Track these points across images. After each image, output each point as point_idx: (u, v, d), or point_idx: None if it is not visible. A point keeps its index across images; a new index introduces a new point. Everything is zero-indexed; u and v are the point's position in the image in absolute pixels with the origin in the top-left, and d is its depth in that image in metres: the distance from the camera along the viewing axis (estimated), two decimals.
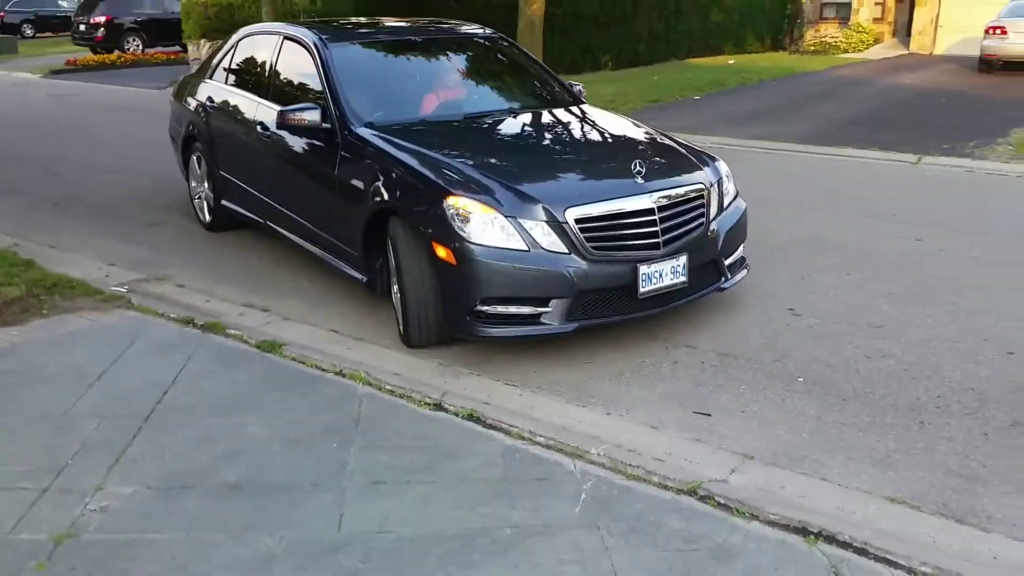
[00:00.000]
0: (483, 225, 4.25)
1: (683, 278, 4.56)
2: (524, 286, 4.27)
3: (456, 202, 4.31)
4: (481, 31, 6.69)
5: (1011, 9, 18.71)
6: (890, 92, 16.03)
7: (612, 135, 5.53)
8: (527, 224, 4.27)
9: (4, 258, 5.61)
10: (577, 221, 4.31)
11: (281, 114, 5.19)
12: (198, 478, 3.32)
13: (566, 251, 4.28)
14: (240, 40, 6.75)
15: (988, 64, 18.55)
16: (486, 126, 5.42)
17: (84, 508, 3.13)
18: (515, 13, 17.12)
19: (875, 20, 24.46)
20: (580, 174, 4.87)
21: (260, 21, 25.32)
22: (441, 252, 4.29)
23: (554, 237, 4.29)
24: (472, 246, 4.23)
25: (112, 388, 4.02)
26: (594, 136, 5.53)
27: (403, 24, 6.64)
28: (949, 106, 14.61)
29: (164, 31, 24.93)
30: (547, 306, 4.31)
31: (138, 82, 18.72)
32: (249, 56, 6.50)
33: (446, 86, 5.83)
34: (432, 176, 4.53)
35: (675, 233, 4.56)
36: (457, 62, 6.18)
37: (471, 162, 4.70)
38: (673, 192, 4.61)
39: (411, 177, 4.58)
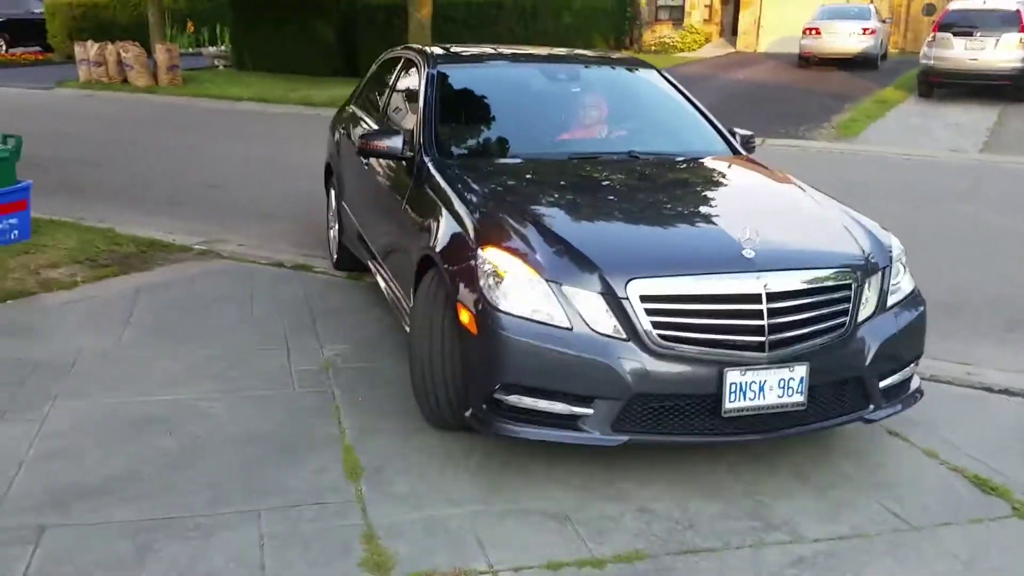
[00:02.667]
0: (518, 289, 3.36)
1: (799, 397, 3.35)
2: (559, 376, 3.30)
3: (491, 255, 3.48)
4: (624, 58, 5.92)
5: (824, 12, 21.88)
6: (728, 86, 18.57)
7: (749, 195, 4.37)
8: (575, 294, 3.31)
9: (95, 229, 6.73)
10: (644, 298, 3.28)
11: (362, 138, 4.63)
12: (375, 342, 4.79)
13: (624, 337, 3.27)
14: (380, 61, 6.18)
15: (806, 60, 21.65)
16: (585, 171, 4.45)
17: (322, 354, 4.55)
18: (394, 17, 18.72)
19: (704, 21, 27.45)
20: (665, 236, 3.81)
21: (122, 22, 25.60)
22: (464, 317, 3.46)
23: (609, 316, 3.29)
24: (499, 314, 3.34)
25: (268, 302, 5.32)
26: (720, 194, 4.39)
27: (541, 52, 5.94)
28: (779, 97, 17.27)
29: (26, 31, 24.81)
30: (589, 407, 3.30)
31: (19, 82, 18.92)
32: (377, 78, 6.02)
33: (563, 120, 4.94)
34: (474, 221, 3.73)
35: (792, 332, 3.36)
36: (586, 94, 5.12)
37: (536, 211, 3.79)
38: (798, 275, 3.43)
39: (453, 220, 3.82)
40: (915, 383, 3.85)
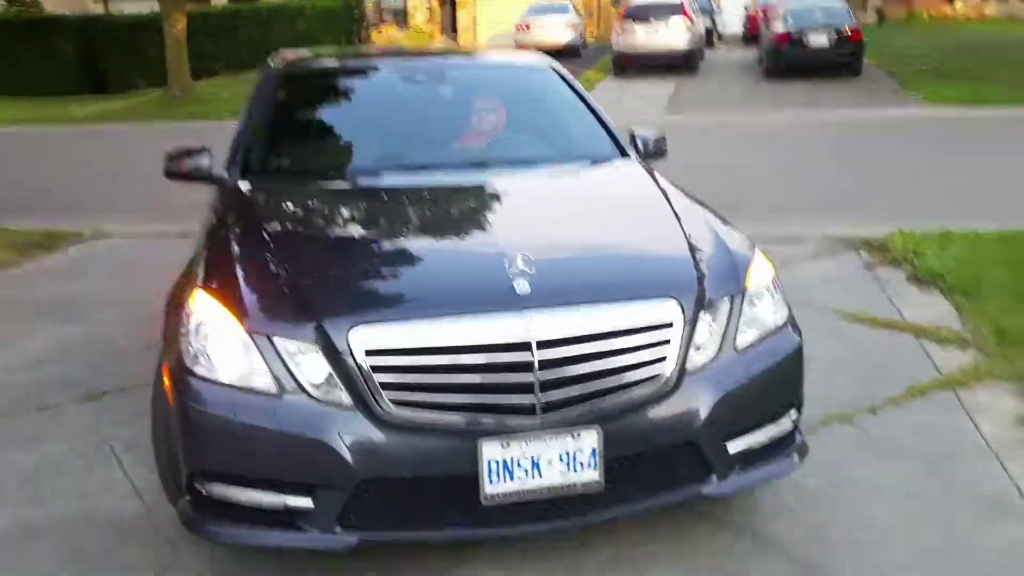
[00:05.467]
0: (219, 345, 2.64)
1: (592, 474, 2.57)
2: (265, 460, 2.57)
3: (199, 303, 2.75)
4: (517, 55, 5.35)
5: (531, 10, 25.25)
6: None
7: (582, 210, 3.52)
8: (289, 350, 2.57)
9: None
10: (371, 352, 2.52)
11: (168, 158, 4.04)
12: None
13: (347, 404, 2.52)
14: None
15: None
16: (400, 191, 3.74)
17: None
18: (137, 33, 19.68)
19: (427, 21, 30.09)
20: (421, 270, 3.02)
21: None
22: (166, 382, 2.76)
23: (330, 377, 2.54)
24: (190, 379, 2.63)
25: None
26: (540, 210, 3.53)
27: (420, 52, 5.24)
28: None
29: None
30: (307, 498, 2.56)
31: None
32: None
33: (420, 129, 4.23)
34: (205, 259, 3.07)
35: (577, 389, 2.58)
36: (457, 99, 4.46)
37: (286, 249, 3.07)
38: (588, 313, 2.63)
39: (198, 256, 3.15)
40: (793, 439, 2.96)
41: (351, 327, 2.54)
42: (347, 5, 29.65)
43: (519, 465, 2.52)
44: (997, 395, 3.91)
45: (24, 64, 20.86)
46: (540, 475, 2.54)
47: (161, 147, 3.98)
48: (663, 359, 2.65)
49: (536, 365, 2.52)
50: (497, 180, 3.79)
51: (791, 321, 3.04)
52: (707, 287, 2.80)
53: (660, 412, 2.66)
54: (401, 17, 30.44)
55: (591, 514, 2.66)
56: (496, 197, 3.69)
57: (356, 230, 3.49)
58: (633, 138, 4.30)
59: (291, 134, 4.36)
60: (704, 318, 2.76)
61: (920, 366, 4.29)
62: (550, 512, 2.62)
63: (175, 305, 2.91)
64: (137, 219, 8.14)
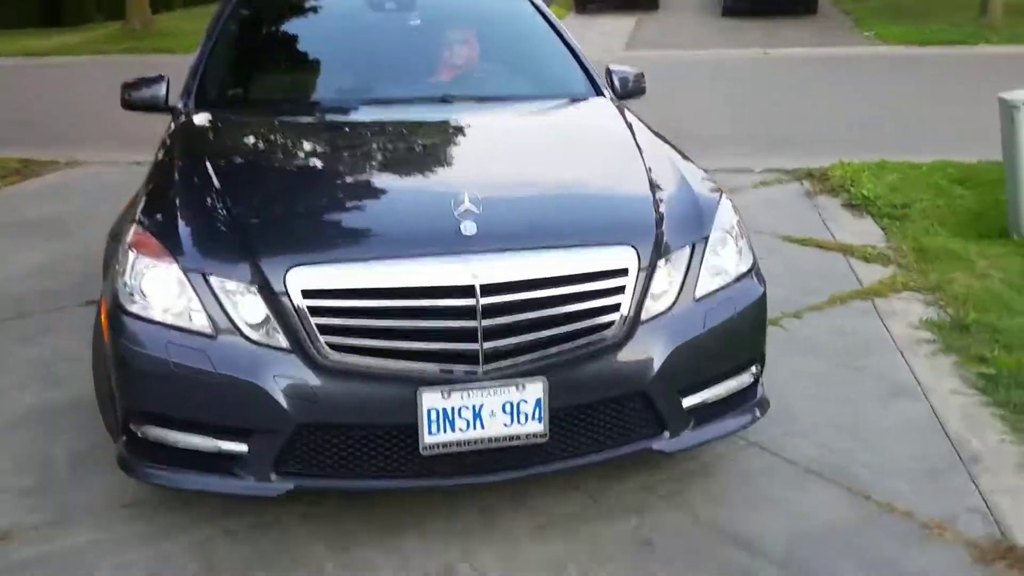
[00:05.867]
0: (155, 283, 2.58)
1: (536, 426, 2.49)
2: (200, 403, 2.51)
3: (136, 238, 2.69)
4: None
5: None
6: None
7: (540, 148, 3.41)
8: (225, 289, 2.51)
9: None
10: (307, 293, 2.44)
11: (123, 87, 4.00)
12: None
13: (285, 347, 2.45)
14: None
15: None
16: (354, 123, 3.74)
17: None
18: None
19: None
20: (367, 208, 2.93)
21: None
22: (103, 318, 2.72)
23: (267, 319, 2.48)
24: (124, 316, 2.57)
25: None
26: (496, 147, 3.40)
27: None
28: None
29: None
30: (243, 442, 2.50)
31: None
32: None
33: (384, 60, 4.07)
34: (146, 192, 3.04)
35: (522, 338, 2.49)
36: (424, 27, 4.27)
37: (232, 182, 3.01)
38: (536, 258, 2.54)
39: (142, 190, 3.11)
40: (754, 393, 2.90)
41: (289, 267, 2.45)
42: None
43: (460, 415, 2.43)
44: (909, 303, 4.40)
45: None
46: (482, 426, 2.45)
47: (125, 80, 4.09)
48: (615, 308, 2.55)
49: (480, 311, 2.42)
50: (460, 116, 3.68)
51: (756, 270, 2.93)
52: (666, 234, 2.69)
53: (610, 363, 2.56)
54: None
55: (535, 466, 2.57)
56: (456, 134, 3.59)
57: (304, 165, 3.36)
58: (610, 75, 4.12)
59: (249, 64, 4.25)
60: (662, 266, 2.65)
61: (844, 280, 4.76)
62: (493, 463, 2.53)
63: (113, 239, 2.79)
64: (108, 149, 8.34)
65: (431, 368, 2.45)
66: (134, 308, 2.56)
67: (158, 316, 2.53)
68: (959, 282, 4.58)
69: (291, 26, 4.59)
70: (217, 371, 2.45)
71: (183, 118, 3.66)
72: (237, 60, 4.21)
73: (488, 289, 2.44)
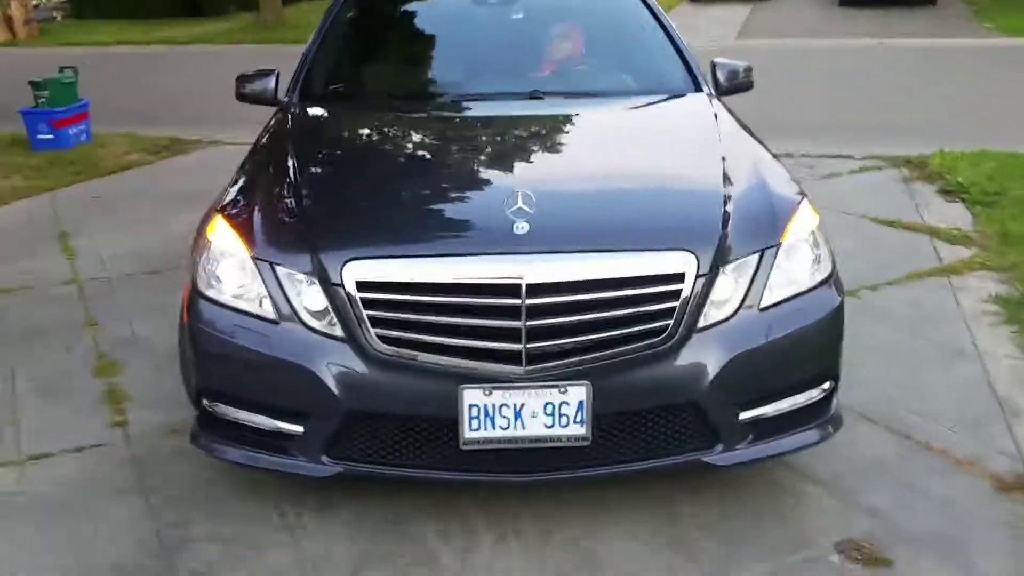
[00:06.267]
0: (228, 269, 2.74)
1: (578, 428, 2.51)
2: (262, 384, 2.67)
3: (217, 226, 2.87)
4: None
5: None
6: None
7: (620, 150, 3.32)
8: (290, 279, 2.63)
9: (127, 134, 9.06)
10: (362, 286, 2.53)
11: (237, 80, 4.19)
12: None
13: (340, 336, 2.56)
14: None
15: None
16: (434, 117, 3.86)
17: None
18: None
19: None
20: (427, 205, 2.99)
21: None
22: (184, 301, 2.89)
23: (326, 309, 2.58)
24: (201, 300, 2.76)
25: None
26: (574, 148, 3.44)
27: None
28: None
29: None
30: (300, 425, 2.64)
31: None
32: None
33: (486, 57, 4.16)
34: (232, 183, 3.21)
35: (567, 340, 2.49)
36: (527, 24, 4.32)
37: (312, 176, 3.16)
38: (587, 261, 2.54)
39: (231, 180, 3.28)
40: (827, 409, 2.79)
41: (345, 260, 2.54)
42: None
43: (501, 413, 2.47)
44: (983, 280, 4.66)
45: None
46: (523, 425, 2.48)
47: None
48: (668, 314, 2.50)
49: (524, 312, 2.44)
50: (544, 113, 3.72)
51: (834, 280, 2.81)
52: (733, 239, 2.62)
53: (660, 370, 2.52)
54: None
55: (577, 469, 2.59)
56: (533, 132, 3.57)
57: (377, 160, 3.43)
58: (714, 69, 4.05)
59: (352, 60, 4.37)
60: (725, 272, 2.58)
61: (926, 258, 5.05)
62: (535, 462, 2.56)
63: (201, 228, 2.97)
64: (244, 131, 8.97)
65: (474, 365, 2.48)
66: (209, 292, 2.74)
67: (229, 301, 2.69)
68: None
69: (394, 23, 4.70)
70: (277, 356, 2.59)
71: (282, 111, 3.88)
72: (341, 55, 4.34)
73: (534, 290, 2.45)
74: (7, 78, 13.23)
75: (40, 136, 8.14)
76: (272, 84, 4.07)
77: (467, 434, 2.50)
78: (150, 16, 21.43)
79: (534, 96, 3.80)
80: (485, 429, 2.49)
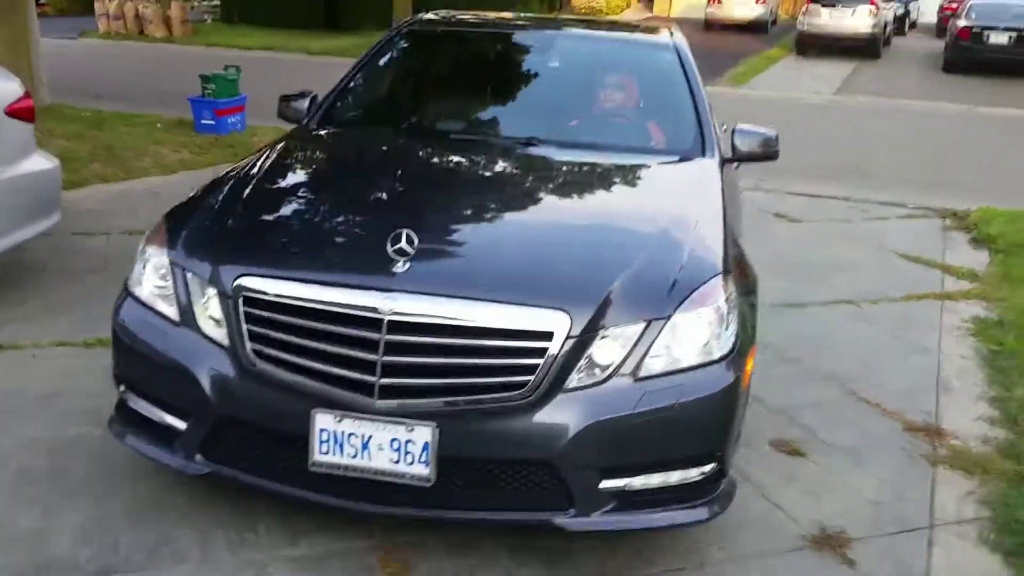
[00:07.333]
0: (151, 270, 2.94)
1: (422, 469, 2.55)
2: (157, 379, 2.85)
3: (156, 229, 3.07)
4: (649, 39, 4.83)
5: None
6: None
7: (568, 207, 3.36)
8: (196, 285, 2.81)
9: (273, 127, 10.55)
10: (248, 300, 2.68)
11: (280, 99, 4.33)
12: None
13: (225, 343, 2.71)
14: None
15: (710, 25, 26.33)
16: (427, 155, 3.86)
17: None
18: None
19: None
20: (330, 231, 3.06)
21: None
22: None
23: (217, 316, 2.75)
24: (126, 296, 2.98)
25: None
26: (522, 199, 3.41)
27: (542, 21, 5.55)
28: None
29: None
30: (183, 421, 2.80)
31: (46, 33, 21.87)
32: None
33: (501, 101, 4.36)
34: (201, 188, 3.39)
35: (421, 380, 2.56)
36: (552, 74, 4.46)
37: (269, 190, 3.36)
38: (458, 306, 2.58)
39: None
40: (711, 490, 2.75)
41: (239, 274, 2.71)
42: None
43: (349, 442, 2.56)
44: (971, 306, 5.55)
45: (274, 0, 24.13)
46: (370, 457, 2.56)
47: None
48: (531, 369, 2.53)
49: (382, 346, 2.52)
50: (513, 160, 3.73)
51: (733, 359, 2.69)
52: (618, 305, 2.62)
53: (516, 425, 2.54)
54: None
55: (423, 509, 2.64)
56: (482, 176, 3.65)
57: (314, 183, 3.61)
58: (733, 136, 3.99)
59: (375, 91, 4.58)
60: (605, 336, 2.59)
61: (930, 285, 5.95)
62: (382, 495, 2.62)
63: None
64: None
65: (329, 391, 2.58)
66: (134, 288, 2.97)
67: (145, 298, 2.91)
68: (1022, 298, 5.67)
69: (428, 64, 4.84)
70: (171, 355, 2.77)
71: (289, 132, 4.12)
72: (369, 86, 4.53)
73: (396, 326, 2.54)
74: (168, 70, 15.09)
75: (203, 121, 9.66)
76: (305, 106, 4.23)
77: (316, 456, 2.60)
78: (291, 26, 23.37)
79: (529, 143, 3.82)
80: (334, 454, 2.59)
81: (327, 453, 2.59)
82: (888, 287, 5.83)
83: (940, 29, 27.13)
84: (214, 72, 9.77)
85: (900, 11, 27.22)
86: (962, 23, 19.35)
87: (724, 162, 3.84)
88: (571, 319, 2.57)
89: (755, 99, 15.99)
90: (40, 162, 4.87)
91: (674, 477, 2.68)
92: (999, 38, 18.92)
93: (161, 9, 21.78)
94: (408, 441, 2.54)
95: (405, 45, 4.78)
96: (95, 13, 22.42)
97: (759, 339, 3.13)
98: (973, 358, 4.70)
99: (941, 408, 4.10)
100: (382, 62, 4.62)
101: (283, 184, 3.50)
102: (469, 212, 3.21)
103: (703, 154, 3.83)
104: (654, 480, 2.66)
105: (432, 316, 2.56)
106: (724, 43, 23.85)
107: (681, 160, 3.80)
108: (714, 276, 2.81)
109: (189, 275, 2.82)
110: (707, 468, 2.72)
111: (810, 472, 3.55)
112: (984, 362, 4.63)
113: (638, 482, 2.65)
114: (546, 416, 2.55)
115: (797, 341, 4.79)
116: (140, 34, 21.75)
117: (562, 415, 2.55)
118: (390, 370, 2.54)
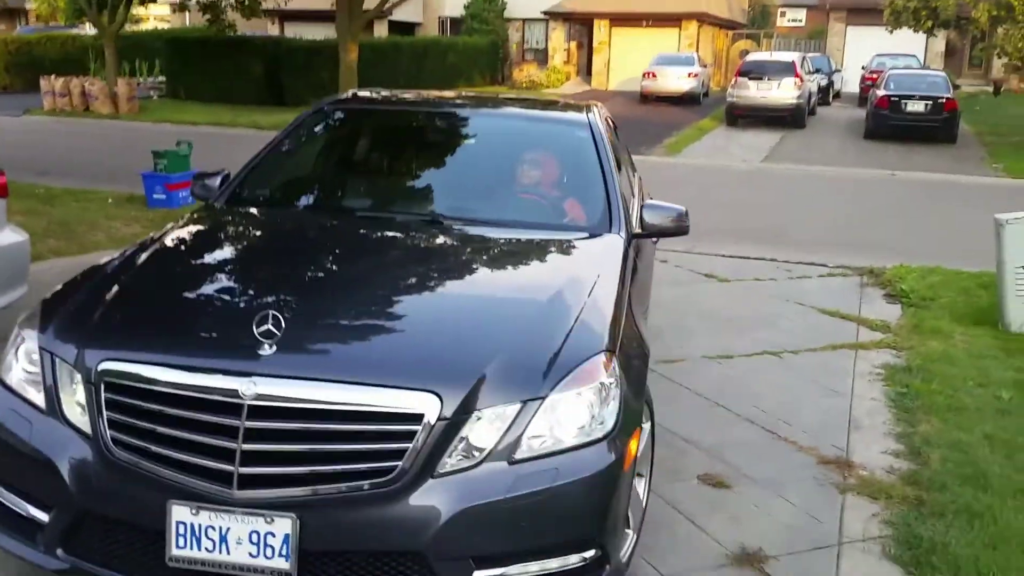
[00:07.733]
0: (24, 354, 2.83)
1: (282, 563, 2.45)
2: (19, 470, 2.71)
3: (31, 314, 2.97)
4: (564, 116, 4.75)
5: (658, 59, 27.83)
6: None
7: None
8: (64, 371, 2.69)
9: None
10: (108, 387, 2.58)
11: (193, 178, 4.24)
12: None
13: (88, 432, 2.59)
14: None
15: (645, 97, 27.44)
16: (328, 232, 3.79)
17: None
18: (314, 57, 22.96)
19: (564, 63, 32.88)
20: (189, 317, 2.95)
21: (53, 58, 28.10)
22: None
23: (83, 402, 2.63)
24: None
25: None
26: (411, 275, 3.31)
27: (462, 98, 5.61)
28: (624, 126, 22.42)
29: None
30: (47, 515, 2.65)
31: None
32: None
33: (411, 176, 4.40)
34: (87, 269, 3.29)
35: (282, 469, 2.47)
36: (463, 149, 4.47)
37: (149, 273, 3.25)
38: (322, 389, 2.49)
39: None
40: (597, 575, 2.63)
41: (101, 360, 2.60)
42: (493, 44, 32.77)
43: (207, 535, 2.43)
44: (882, 354, 6.04)
45: (220, 77, 24.62)
46: (228, 551, 2.43)
47: None
48: (400, 454, 2.43)
49: (242, 433, 2.42)
50: (418, 238, 3.65)
51: (614, 439, 2.63)
52: (492, 386, 2.54)
53: (384, 513, 2.43)
54: (541, 57, 33.34)
55: None
56: (368, 256, 3.52)
57: (192, 265, 3.46)
58: (641, 212, 3.93)
59: (286, 171, 4.43)
60: (479, 418, 2.51)
61: (846, 337, 6.44)
62: None
63: None
64: None
65: (186, 481, 2.46)
66: (4, 375, 2.84)
67: (12, 384, 2.80)
68: (929, 346, 6.19)
69: (340, 139, 4.76)
70: (34, 444, 2.64)
71: (192, 212, 4.04)
72: (282, 163, 4.36)
73: (256, 411, 2.43)
74: (116, 146, 15.34)
75: (155, 196, 9.97)
76: (217, 184, 4.12)
77: (173, 551, 2.48)
78: (237, 102, 23.82)
79: (435, 221, 3.78)
80: (191, 548, 2.46)
81: (184, 547, 2.48)
82: (808, 339, 6.31)
83: (862, 98, 28.54)
84: (166, 148, 10.10)
85: (824, 82, 28.60)
86: (881, 92, 20.53)
87: (632, 237, 3.84)
88: (441, 401, 2.49)
89: (688, 167, 16.77)
90: (11, 236, 5.13)
91: (553, 564, 2.58)
92: (915, 106, 20.10)
93: (108, 86, 22.06)
94: (268, 533, 2.43)
95: (323, 123, 4.76)
96: (40, 90, 22.59)
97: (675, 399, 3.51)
98: (882, 400, 5.15)
99: (852, 443, 4.52)
100: (299, 139, 4.55)
101: (164, 266, 3.38)
102: (349, 292, 3.13)
103: (610, 230, 3.79)
104: (532, 568, 2.57)
105: (295, 400, 2.48)
106: (659, 115, 24.85)
107: (589, 236, 3.75)
108: (596, 354, 2.76)
109: (57, 360, 2.71)
110: (588, 554, 2.62)
111: (733, 501, 3.93)
112: (892, 403, 5.08)
113: (515, 571, 2.55)
114: (416, 503, 2.45)
115: (725, 388, 5.23)
116: (86, 111, 22.02)
117: (432, 501, 2.46)
118: (250, 458, 2.45)
